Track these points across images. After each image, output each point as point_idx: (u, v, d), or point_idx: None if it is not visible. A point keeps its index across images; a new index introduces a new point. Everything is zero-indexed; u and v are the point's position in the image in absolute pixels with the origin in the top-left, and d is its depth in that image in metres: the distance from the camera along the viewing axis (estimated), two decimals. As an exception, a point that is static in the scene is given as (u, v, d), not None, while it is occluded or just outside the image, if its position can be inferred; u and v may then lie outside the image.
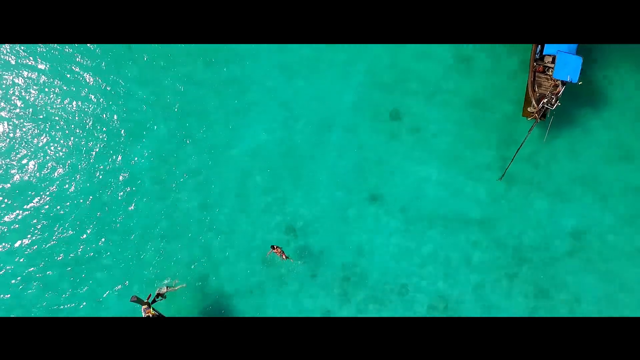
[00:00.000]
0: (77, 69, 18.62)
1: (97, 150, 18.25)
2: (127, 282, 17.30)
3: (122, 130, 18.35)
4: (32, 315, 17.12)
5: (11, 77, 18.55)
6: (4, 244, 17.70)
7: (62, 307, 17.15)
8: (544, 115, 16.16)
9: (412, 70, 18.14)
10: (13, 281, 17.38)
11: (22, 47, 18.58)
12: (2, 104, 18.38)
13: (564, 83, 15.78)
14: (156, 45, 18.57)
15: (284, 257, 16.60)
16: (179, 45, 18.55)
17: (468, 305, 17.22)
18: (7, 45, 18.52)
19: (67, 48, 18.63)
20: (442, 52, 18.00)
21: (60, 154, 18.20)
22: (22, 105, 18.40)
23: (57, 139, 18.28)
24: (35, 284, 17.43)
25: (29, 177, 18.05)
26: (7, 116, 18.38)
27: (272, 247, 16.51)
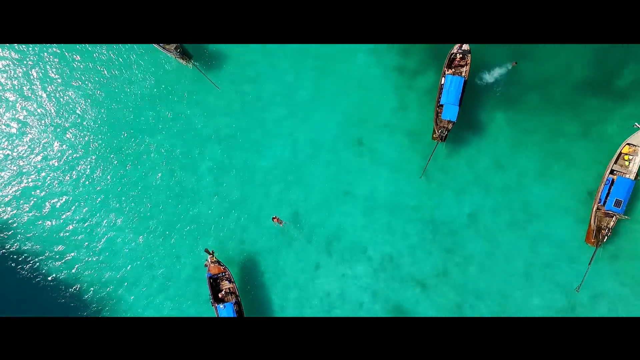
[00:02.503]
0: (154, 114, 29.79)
1: (176, 167, 29.38)
2: (199, 244, 28.43)
3: (189, 153, 29.45)
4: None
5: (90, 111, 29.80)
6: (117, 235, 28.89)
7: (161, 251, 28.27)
8: (444, 139, 26.82)
9: (371, 114, 28.57)
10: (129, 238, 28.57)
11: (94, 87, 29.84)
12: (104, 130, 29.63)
13: (450, 121, 26.46)
14: (207, 93, 29.60)
15: (281, 223, 27.50)
16: (227, 90, 29.54)
17: (405, 259, 27.66)
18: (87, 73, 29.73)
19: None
20: (388, 102, 28.73)
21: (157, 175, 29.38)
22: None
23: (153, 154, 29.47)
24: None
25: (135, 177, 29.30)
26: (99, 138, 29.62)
27: (273, 218, 27.37)
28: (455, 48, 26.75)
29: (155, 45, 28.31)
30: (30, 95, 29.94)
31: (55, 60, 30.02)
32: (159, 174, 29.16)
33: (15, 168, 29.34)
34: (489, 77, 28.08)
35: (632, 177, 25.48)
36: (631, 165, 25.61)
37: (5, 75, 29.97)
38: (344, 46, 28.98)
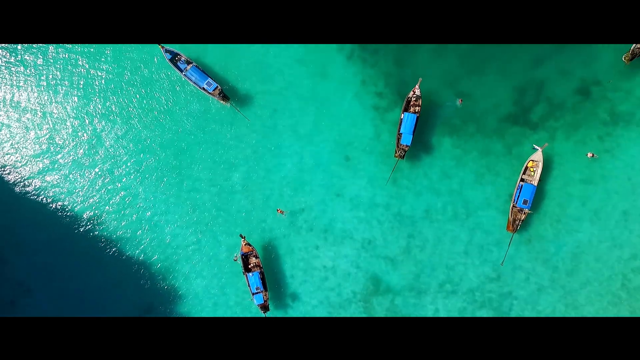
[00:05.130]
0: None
1: (213, 176, 41.11)
2: (233, 232, 40.03)
3: (227, 166, 41.16)
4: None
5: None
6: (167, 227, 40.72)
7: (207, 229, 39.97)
8: (402, 157, 37.88)
9: (355, 138, 39.82)
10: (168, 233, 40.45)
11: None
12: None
13: (407, 145, 37.51)
14: (239, 126, 41.35)
15: (283, 213, 38.90)
16: (252, 121, 41.32)
17: (379, 242, 38.72)
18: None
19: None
20: (367, 131, 40.02)
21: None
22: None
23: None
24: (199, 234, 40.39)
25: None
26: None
27: (277, 210, 38.80)
28: (411, 93, 38.07)
29: (204, 92, 40.19)
30: (120, 111, 42.06)
31: (139, 92, 42.20)
32: (203, 182, 40.88)
33: (96, 170, 41.46)
34: (439, 112, 39.24)
35: (535, 183, 36.32)
36: (535, 174, 36.46)
37: (91, 93, 42.19)
38: (338, 90, 40.32)
